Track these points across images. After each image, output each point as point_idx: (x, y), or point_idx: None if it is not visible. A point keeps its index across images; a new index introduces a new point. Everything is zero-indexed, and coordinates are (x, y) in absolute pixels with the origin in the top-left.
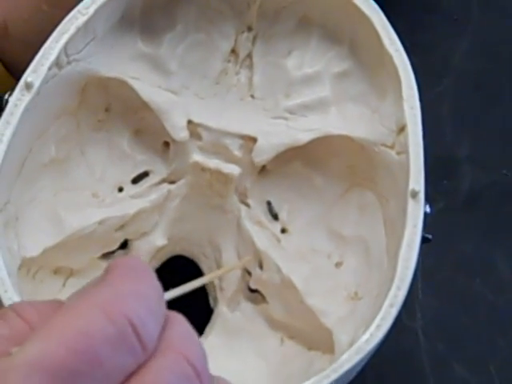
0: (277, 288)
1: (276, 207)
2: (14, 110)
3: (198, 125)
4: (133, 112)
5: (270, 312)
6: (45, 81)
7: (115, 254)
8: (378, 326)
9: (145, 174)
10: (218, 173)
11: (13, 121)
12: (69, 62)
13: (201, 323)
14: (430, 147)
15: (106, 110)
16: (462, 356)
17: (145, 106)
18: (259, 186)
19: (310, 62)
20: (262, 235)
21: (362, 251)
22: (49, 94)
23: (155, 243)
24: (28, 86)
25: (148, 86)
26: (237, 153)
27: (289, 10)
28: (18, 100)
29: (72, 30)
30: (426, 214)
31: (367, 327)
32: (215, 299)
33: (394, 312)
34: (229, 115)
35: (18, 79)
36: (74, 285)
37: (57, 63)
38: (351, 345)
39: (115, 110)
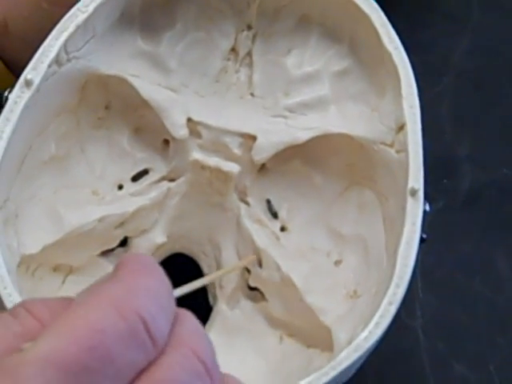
0: (276, 286)
1: (275, 205)
2: (13, 107)
3: (198, 123)
4: (132, 110)
5: (269, 310)
6: (44, 78)
7: (115, 251)
8: (377, 324)
9: (144, 172)
10: (217, 171)
11: (12, 118)
12: (69, 60)
13: (200, 321)
14: (429, 146)
15: (106, 107)
16: (462, 354)
17: (144, 103)
18: (259, 184)
19: (309, 61)
20: (261, 233)
21: (361, 249)
22: (49, 91)
23: (155, 241)
24: (28, 83)
25: (148, 84)
26: (236, 151)
27: (288, 8)
28: (17, 97)
29: (72, 27)
30: (425, 212)
31: (366, 325)
32: (215, 297)
33: (392, 310)
34: (228, 113)
35: (17, 77)
36: (74, 282)
37: (57, 61)
38: (350, 343)
39: (115, 107)
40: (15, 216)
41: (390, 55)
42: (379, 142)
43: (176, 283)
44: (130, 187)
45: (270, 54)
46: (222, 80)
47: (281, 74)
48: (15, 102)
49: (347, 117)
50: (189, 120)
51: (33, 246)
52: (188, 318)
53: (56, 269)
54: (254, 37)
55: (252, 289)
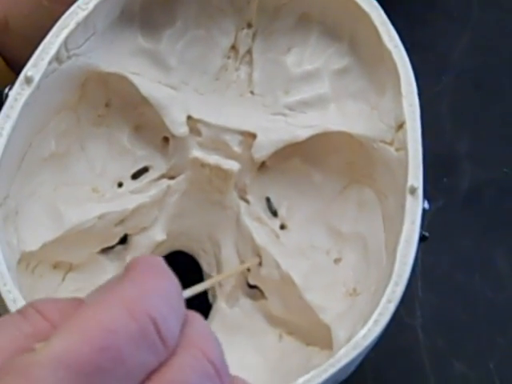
0: (276, 284)
1: (275, 203)
2: (13, 103)
3: (198, 120)
4: (133, 107)
5: (268, 308)
6: (45, 75)
7: (114, 248)
8: (376, 322)
9: (144, 170)
10: (217, 169)
11: (13, 115)
12: (69, 57)
13: None
14: (429, 145)
15: (106, 105)
16: (462, 353)
17: (144, 101)
18: (258, 182)
19: (309, 59)
20: (261, 231)
21: (361, 247)
22: (49, 88)
23: (155, 238)
24: (28, 80)
25: (148, 82)
26: (236, 149)
27: (288, 6)
28: (18, 94)
29: (72, 25)
30: (424, 210)
31: (365, 323)
32: (214, 295)
33: (391, 307)
34: (228, 111)
35: (18, 74)
36: (74, 279)
37: (57, 58)
38: (349, 341)
39: (115, 105)
40: (15, 213)
41: (389, 53)
42: (379, 140)
43: None
44: (129, 185)
45: (270, 52)
46: (222, 78)
47: (281, 72)
48: (15, 99)
49: (347, 115)
50: (189, 118)
51: (33, 243)
52: (197, 319)
53: (56, 266)
54: (254, 35)
55: (251, 287)
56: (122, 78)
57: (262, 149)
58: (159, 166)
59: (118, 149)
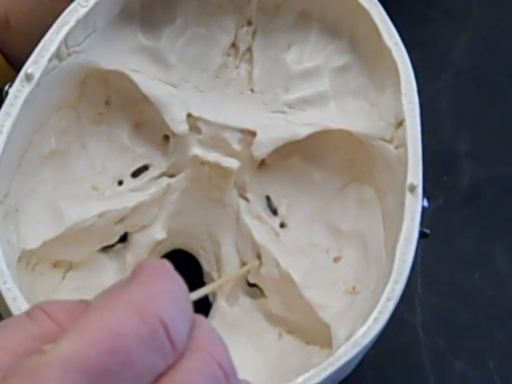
0: (275, 282)
1: (275, 202)
2: (14, 101)
3: (198, 118)
4: (133, 105)
5: (268, 306)
6: (45, 72)
7: (115, 247)
8: (376, 320)
9: (144, 168)
10: (217, 166)
11: (13, 112)
12: (69, 54)
13: None
14: (429, 143)
15: (106, 102)
16: (462, 351)
17: (145, 98)
18: (258, 180)
19: (309, 57)
20: (260, 229)
21: (361, 245)
22: (49, 85)
23: (155, 236)
24: (28, 78)
25: (148, 79)
26: (236, 146)
27: (288, 4)
28: (18, 91)
29: (72, 22)
30: (423, 208)
31: (365, 321)
32: (214, 294)
33: (391, 306)
34: (228, 109)
35: (18, 71)
36: (74, 278)
37: (57, 55)
38: (349, 339)
39: (115, 102)
40: (15, 210)
41: (389, 51)
42: (378, 138)
43: None
44: (129, 183)
45: (269, 50)
46: (221, 75)
47: (281, 70)
48: (15, 97)
49: (347, 112)
50: (189, 115)
51: (33, 241)
52: (204, 322)
53: (56, 264)
54: (254, 32)
55: (251, 285)
56: (122, 76)
57: (262, 146)
58: (159, 163)
59: (118, 146)
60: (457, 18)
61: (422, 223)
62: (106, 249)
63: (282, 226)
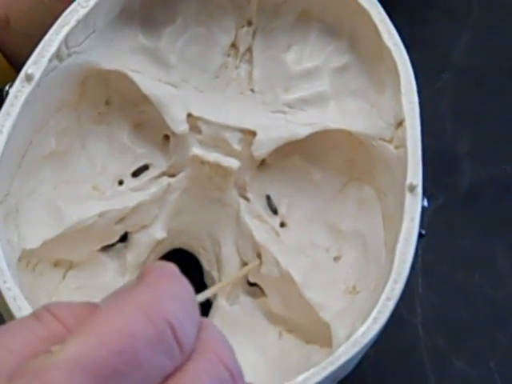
0: (275, 282)
1: (275, 201)
2: (14, 101)
3: (198, 118)
4: (133, 105)
5: (268, 306)
6: (45, 73)
7: (115, 246)
8: (375, 319)
9: (145, 167)
10: (217, 166)
11: (13, 112)
12: (69, 55)
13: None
14: (429, 143)
15: (107, 103)
16: (462, 350)
17: (145, 99)
18: (258, 180)
19: (309, 57)
20: (261, 229)
21: (361, 245)
22: (49, 86)
23: (155, 236)
24: (28, 78)
25: (148, 79)
26: (236, 146)
27: (288, 4)
28: (18, 91)
29: (72, 22)
30: (423, 208)
31: (364, 320)
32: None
33: (390, 305)
34: (228, 109)
35: (19, 71)
36: (74, 277)
37: (57, 55)
38: (349, 338)
39: (115, 102)
40: (16, 210)
41: (389, 51)
42: (378, 138)
43: None
44: (130, 182)
45: (269, 50)
46: (222, 76)
47: (280, 70)
48: (16, 97)
49: (346, 112)
50: (189, 115)
51: (33, 241)
52: (210, 325)
53: (56, 264)
54: (254, 33)
55: (251, 284)
56: (123, 76)
57: (262, 146)
58: (159, 163)
59: (119, 147)
60: (457, 18)
61: (422, 223)
62: (106, 248)
63: (282, 225)
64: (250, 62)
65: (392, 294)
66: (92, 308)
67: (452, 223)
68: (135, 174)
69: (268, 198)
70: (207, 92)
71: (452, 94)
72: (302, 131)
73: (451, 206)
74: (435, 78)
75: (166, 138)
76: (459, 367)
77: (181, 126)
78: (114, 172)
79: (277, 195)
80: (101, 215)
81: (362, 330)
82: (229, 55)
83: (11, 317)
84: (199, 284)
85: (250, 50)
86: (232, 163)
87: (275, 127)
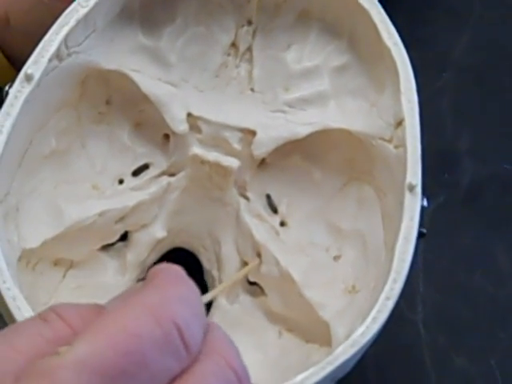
0: (275, 281)
1: (275, 200)
2: (14, 101)
3: (198, 118)
4: (133, 105)
5: (268, 305)
6: (45, 73)
7: (115, 245)
8: (374, 319)
9: (145, 167)
10: (217, 165)
11: (13, 112)
12: (69, 54)
13: None
14: (430, 141)
15: (107, 102)
16: (463, 348)
17: (145, 98)
18: (258, 179)
19: (309, 56)
20: (261, 228)
21: (360, 245)
22: (49, 86)
23: (155, 235)
24: (28, 78)
25: (148, 79)
26: (236, 146)
27: (288, 3)
28: (18, 91)
29: (72, 22)
30: (423, 207)
31: (364, 320)
32: None
33: (390, 305)
34: (228, 108)
35: (19, 71)
36: (74, 276)
37: (57, 55)
38: (348, 338)
39: (116, 102)
40: (16, 210)
41: (389, 51)
42: (378, 137)
43: None
44: (130, 182)
45: (269, 49)
46: (222, 75)
47: (280, 69)
48: (15, 97)
49: (346, 112)
50: (189, 115)
51: (33, 240)
52: (217, 327)
53: (56, 263)
54: (254, 32)
55: (251, 283)
56: (123, 76)
57: (262, 146)
58: (159, 163)
59: (119, 146)
60: (457, 17)
61: (422, 223)
62: (106, 247)
63: (282, 224)
64: (250, 61)
65: (391, 294)
66: (98, 310)
67: (453, 221)
68: (135, 173)
69: (268, 197)
70: (207, 91)
71: (452, 92)
72: (302, 130)
73: (452, 204)
74: (436, 77)
75: (166, 137)
76: (460, 365)
77: (181, 126)
78: (114, 171)
79: (277, 194)
80: (101, 214)
81: (360, 329)
82: (229, 54)
83: (11, 317)
84: (199, 283)
85: (250, 49)
86: (232, 162)
87: (275, 126)
